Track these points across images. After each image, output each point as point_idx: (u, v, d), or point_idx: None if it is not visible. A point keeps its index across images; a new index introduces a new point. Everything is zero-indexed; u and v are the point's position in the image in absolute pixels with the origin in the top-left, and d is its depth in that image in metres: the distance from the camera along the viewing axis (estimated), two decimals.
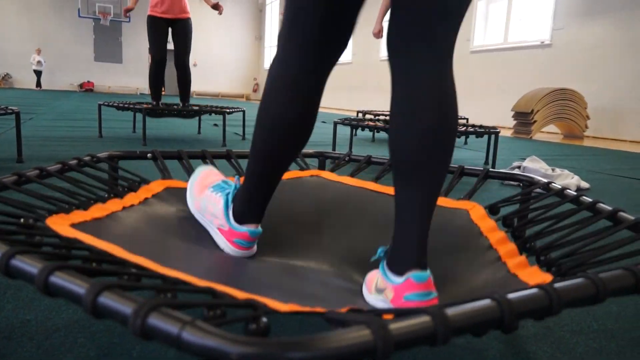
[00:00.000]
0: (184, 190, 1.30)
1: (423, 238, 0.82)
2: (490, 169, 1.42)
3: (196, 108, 4.28)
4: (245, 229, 1.01)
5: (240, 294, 0.63)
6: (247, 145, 4.12)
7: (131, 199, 1.15)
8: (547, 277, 0.83)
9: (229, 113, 4.24)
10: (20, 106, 7.82)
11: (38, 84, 17.91)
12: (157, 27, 4.29)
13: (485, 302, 0.46)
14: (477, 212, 1.24)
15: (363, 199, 1.38)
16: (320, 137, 5.36)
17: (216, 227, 1.06)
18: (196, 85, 20.97)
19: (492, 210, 1.26)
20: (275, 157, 0.97)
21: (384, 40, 13.64)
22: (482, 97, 9.97)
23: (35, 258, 0.49)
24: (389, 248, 0.87)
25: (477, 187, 1.34)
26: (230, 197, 1.04)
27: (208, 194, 1.10)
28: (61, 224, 0.84)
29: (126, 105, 4.10)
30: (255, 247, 1.07)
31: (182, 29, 4.36)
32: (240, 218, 1.02)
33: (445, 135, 0.82)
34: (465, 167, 1.45)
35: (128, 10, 4.49)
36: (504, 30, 9.73)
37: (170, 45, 4.30)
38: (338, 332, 0.38)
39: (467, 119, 6.36)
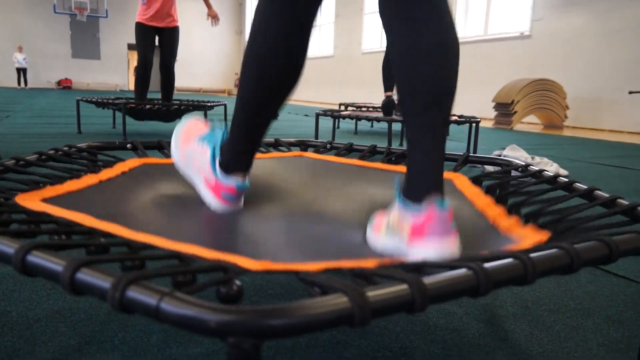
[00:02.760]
0: (162, 165, 1.29)
1: (442, 164, 0.83)
2: (471, 154, 1.43)
3: (177, 103, 4.25)
4: (233, 180, 0.99)
5: (209, 254, 0.63)
6: None
7: (107, 173, 1.14)
8: (543, 236, 0.83)
9: (210, 108, 4.21)
10: None
11: (21, 81, 17.52)
12: (144, 34, 4.28)
13: (462, 271, 0.47)
14: (461, 180, 1.25)
15: (349, 172, 1.38)
16: (302, 129, 5.36)
17: (202, 179, 1.04)
18: (177, 81, 20.55)
19: (475, 183, 1.26)
20: (266, 92, 0.94)
21: (365, 34, 13.67)
22: (463, 89, 10.04)
23: (6, 238, 0.49)
24: (405, 177, 0.85)
25: (457, 170, 1.35)
26: (217, 148, 1.02)
27: (194, 144, 1.07)
28: (31, 200, 0.83)
29: (105, 101, 4.04)
30: (242, 202, 1.05)
31: (169, 37, 4.36)
32: (227, 168, 1.00)
33: (452, 61, 0.84)
34: (446, 152, 1.47)
35: None
36: (484, 22, 9.79)
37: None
38: (316, 299, 0.39)
39: None
